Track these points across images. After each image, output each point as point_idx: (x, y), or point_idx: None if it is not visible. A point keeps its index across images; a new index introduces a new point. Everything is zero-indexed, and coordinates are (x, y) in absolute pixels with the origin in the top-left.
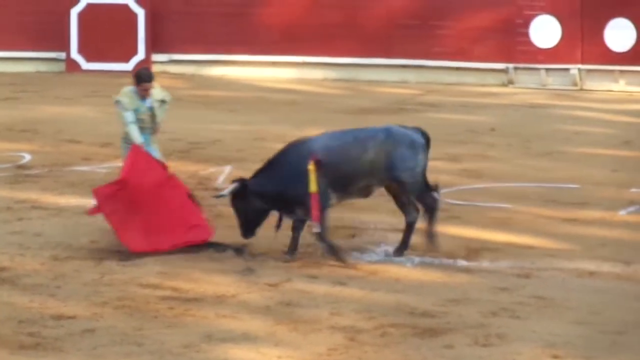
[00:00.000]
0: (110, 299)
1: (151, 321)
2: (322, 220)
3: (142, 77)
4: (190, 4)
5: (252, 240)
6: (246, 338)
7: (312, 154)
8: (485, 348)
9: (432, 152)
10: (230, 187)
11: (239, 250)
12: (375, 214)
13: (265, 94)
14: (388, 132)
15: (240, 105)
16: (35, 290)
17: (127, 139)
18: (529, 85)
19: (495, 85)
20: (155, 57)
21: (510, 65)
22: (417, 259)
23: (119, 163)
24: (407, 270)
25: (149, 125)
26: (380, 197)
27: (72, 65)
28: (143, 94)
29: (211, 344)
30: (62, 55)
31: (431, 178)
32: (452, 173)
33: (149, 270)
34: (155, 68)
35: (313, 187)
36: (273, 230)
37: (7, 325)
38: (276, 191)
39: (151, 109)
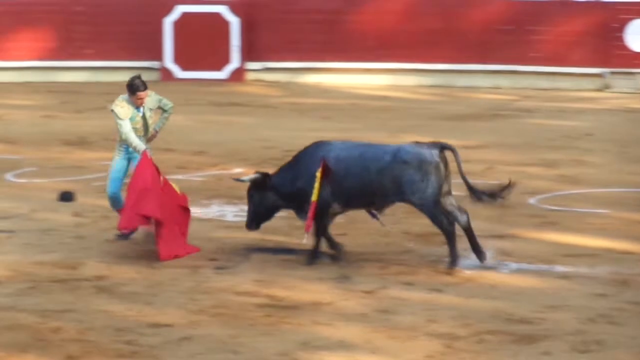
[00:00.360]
0: (206, 307)
1: (247, 329)
2: (314, 230)
3: (137, 87)
4: (284, 12)
5: (348, 248)
6: (342, 346)
7: (323, 158)
8: (583, 355)
9: (528, 157)
10: (252, 175)
11: (335, 258)
12: (473, 220)
13: (359, 101)
14: (395, 154)
15: (335, 113)
16: (132, 298)
17: (125, 146)
18: (625, 90)
19: (591, 90)
20: (250, 65)
21: (606, 70)
22: (514, 265)
23: (214, 171)
24: (503, 277)
25: (142, 134)
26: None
27: (166, 74)
28: (138, 103)
29: (307, 352)
30: (157, 64)
31: (528, 184)
32: (548, 179)
33: (245, 278)
34: (249, 76)
35: (315, 195)
36: (366, 237)
37: (105, 334)
38: (289, 189)
39: (144, 117)
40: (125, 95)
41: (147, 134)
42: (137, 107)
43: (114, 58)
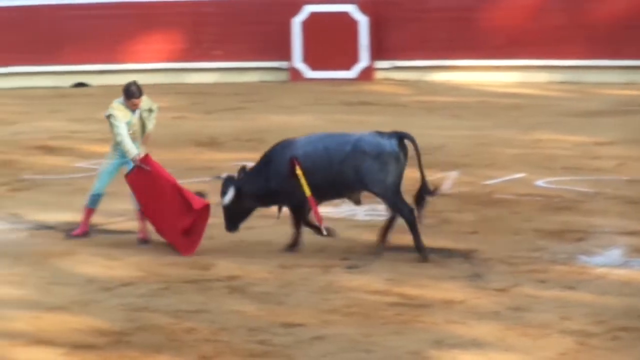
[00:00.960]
0: (338, 306)
1: (379, 328)
2: (292, 222)
3: (133, 94)
4: (413, 10)
5: (479, 246)
6: (475, 344)
7: (293, 158)
8: None
9: None
10: (229, 195)
11: (466, 256)
12: (604, 217)
13: (489, 99)
14: (355, 144)
15: (464, 111)
16: (264, 298)
17: (119, 151)
18: None
19: None
20: (378, 64)
21: None
22: None
23: None
24: (636, 273)
25: (139, 136)
26: (610, 200)
27: (295, 74)
28: (133, 108)
29: (440, 350)
30: (286, 64)
31: None
32: None
33: (376, 277)
34: (378, 75)
35: (307, 191)
36: (497, 235)
37: (238, 334)
38: (263, 192)
39: (140, 118)
40: (121, 99)
41: (143, 136)
42: (133, 111)
43: (243, 59)
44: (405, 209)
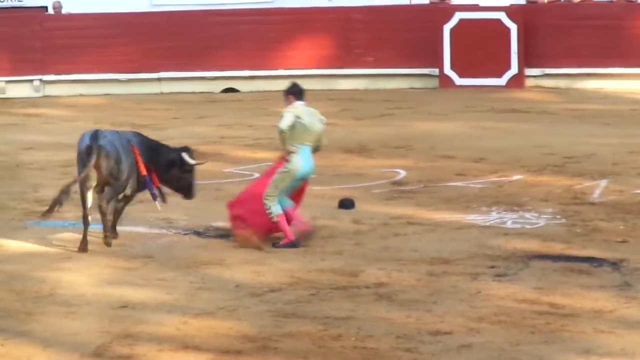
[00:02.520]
0: (486, 315)
1: (528, 336)
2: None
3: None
4: (563, 17)
5: (629, 255)
6: (625, 354)
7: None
8: None
9: None
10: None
11: (616, 265)
12: None
13: None
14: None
15: (616, 119)
16: (412, 305)
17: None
18: None
19: None
20: (528, 71)
21: None
22: None
23: (494, 178)
24: None
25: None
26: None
27: (445, 81)
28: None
29: None
30: (436, 71)
31: None
32: None
33: (525, 286)
34: (528, 82)
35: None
36: None
37: (385, 341)
38: None
39: None
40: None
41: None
42: None
43: (393, 65)
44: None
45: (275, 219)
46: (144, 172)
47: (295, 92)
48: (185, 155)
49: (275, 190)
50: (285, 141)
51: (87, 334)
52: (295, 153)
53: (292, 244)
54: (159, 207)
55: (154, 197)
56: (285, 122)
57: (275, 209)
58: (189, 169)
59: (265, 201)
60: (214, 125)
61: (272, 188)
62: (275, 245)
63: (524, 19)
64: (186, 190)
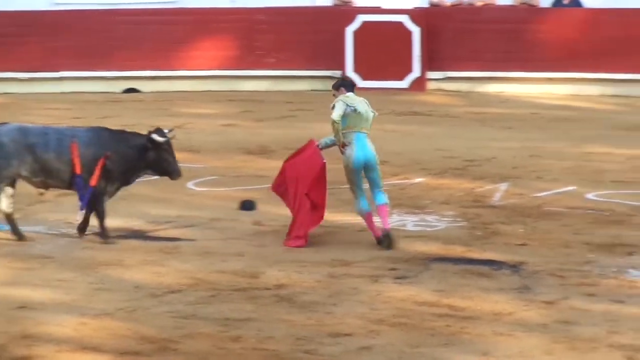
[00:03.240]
0: (386, 317)
1: (428, 339)
2: None
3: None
4: (466, 21)
5: (528, 258)
6: (523, 356)
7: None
8: None
9: None
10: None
11: (515, 268)
12: None
13: (541, 111)
14: None
15: (517, 123)
16: (312, 307)
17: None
18: None
19: None
20: (431, 74)
21: None
22: None
23: (395, 180)
24: None
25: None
26: None
27: None
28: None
29: None
30: (338, 73)
31: None
32: None
33: (425, 288)
34: (430, 85)
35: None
36: (546, 248)
37: (285, 342)
38: None
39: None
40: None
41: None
42: None
43: (296, 67)
44: None
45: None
46: (77, 170)
47: (345, 85)
48: (154, 135)
49: (350, 185)
50: (338, 132)
51: None
52: (349, 145)
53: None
54: (78, 218)
55: (81, 200)
56: (337, 112)
57: (358, 208)
58: (164, 148)
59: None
60: (115, 126)
61: (348, 183)
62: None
63: (427, 22)
64: (170, 171)
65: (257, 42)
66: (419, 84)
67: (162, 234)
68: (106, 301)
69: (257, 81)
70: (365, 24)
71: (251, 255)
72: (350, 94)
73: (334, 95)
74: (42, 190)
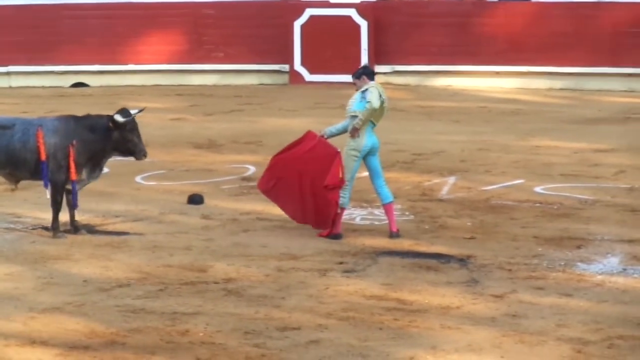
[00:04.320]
0: (335, 310)
1: (376, 332)
2: None
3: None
4: (413, 15)
5: (477, 252)
6: (471, 349)
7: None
8: None
9: None
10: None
11: (463, 262)
12: (603, 224)
13: (489, 104)
14: None
15: (465, 116)
16: (260, 301)
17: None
18: None
19: None
20: (378, 68)
21: None
22: None
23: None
24: (634, 281)
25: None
26: (609, 208)
27: (296, 77)
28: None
29: (436, 356)
30: (286, 67)
31: None
32: None
33: (373, 282)
34: (378, 79)
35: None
36: (494, 241)
37: (233, 337)
38: None
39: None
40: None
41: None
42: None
43: (243, 61)
44: None
45: (338, 209)
46: (42, 157)
47: (368, 73)
48: (116, 116)
49: (346, 174)
50: (369, 118)
51: None
52: (363, 131)
53: (335, 236)
54: (48, 196)
55: (45, 185)
56: (375, 99)
57: (341, 201)
58: (129, 128)
59: None
60: None
61: (346, 172)
62: (319, 234)
63: (375, 16)
64: (134, 151)
65: (205, 37)
66: None
67: (110, 228)
68: (55, 295)
69: (206, 75)
70: (313, 17)
71: (199, 249)
72: (373, 82)
73: (354, 83)
74: (12, 187)
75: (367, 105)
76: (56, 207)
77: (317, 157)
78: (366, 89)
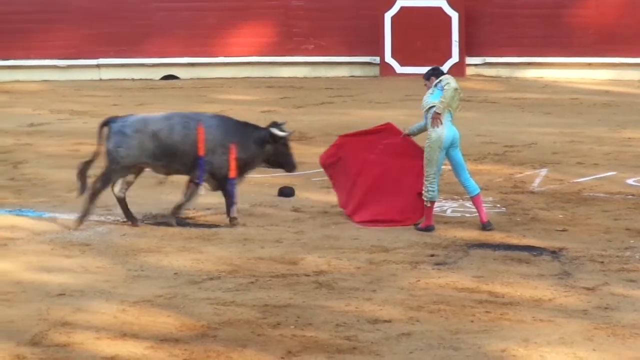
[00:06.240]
0: (426, 303)
1: (467, 325)
2: None
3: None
4: (504, 6)
5: (569, 244)
6: (563, 342)
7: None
8: None
9: None
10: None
11: (555, 254)
12: None
13: (581, 96)
14: None
15: (556, 108)
16: (351, 294)
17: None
18: None
19: None
20: (469, 60)
21: None
22: None
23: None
24: None
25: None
26: None
27: (386, 69)
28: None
29: (528, 349)
30: (377, 59)
31: None
32: None
33: (465, 274)
34: (469, 71)
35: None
36: (587, 233)
37: (325, 329)
38: None
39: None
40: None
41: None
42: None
43: (334, 53)
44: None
45: (427, 204)
46: (201, 152)
47: (437, 74)
48: (274, 130)
49: (431, 167)
50: (450, 101)
51: (24, 322)
52: (442, 124)
53: (427, 229)
54: (202, 192)
55: (200, 181)
56: (452, 80)
57: (431, 195)
58: (284, 142)
59: (425, 181)
60: (153, 113)
61: (428, 166)
62: (416, 227)
63: (465, 7)
64: (286, 164)
65: (296, 29)
66: (457, 70)
67: (201, 220)
68: (145, 288)
69: (296, 67)
70: (404, 9)
71: (290, 241)
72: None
73: (425, 85)
74: (162, 180)
75: (446, 87)
76: (230, 200)
77: (401, 152)
78: (439, 80)
